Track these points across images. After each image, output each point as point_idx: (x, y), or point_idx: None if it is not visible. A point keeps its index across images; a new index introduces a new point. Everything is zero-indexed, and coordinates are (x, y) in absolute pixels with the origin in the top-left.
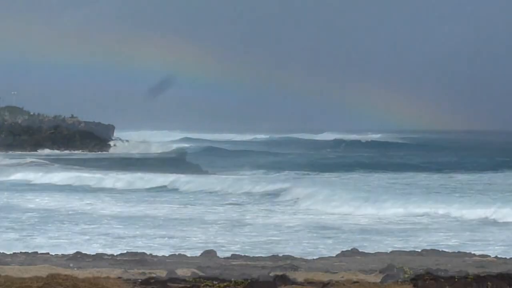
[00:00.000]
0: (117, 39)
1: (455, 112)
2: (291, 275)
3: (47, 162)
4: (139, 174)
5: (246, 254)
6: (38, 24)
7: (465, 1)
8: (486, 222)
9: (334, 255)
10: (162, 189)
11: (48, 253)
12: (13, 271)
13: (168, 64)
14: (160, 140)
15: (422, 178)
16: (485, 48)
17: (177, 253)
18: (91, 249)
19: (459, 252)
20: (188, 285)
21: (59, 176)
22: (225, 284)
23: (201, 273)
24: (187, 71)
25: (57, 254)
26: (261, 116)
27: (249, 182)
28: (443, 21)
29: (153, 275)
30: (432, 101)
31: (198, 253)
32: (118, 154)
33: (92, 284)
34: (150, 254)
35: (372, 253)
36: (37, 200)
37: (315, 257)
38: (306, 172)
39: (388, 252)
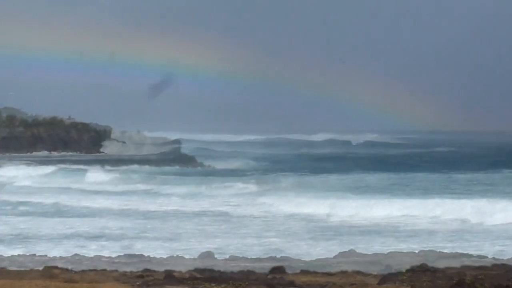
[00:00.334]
0: (116, 37)
1: (454, 112)
2: (289, 277)
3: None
4: None
5: (244, 256)
6: (38, 23)
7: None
8: None
9: (332, 256)
10: None
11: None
12: (10, 275)
13: (164, 64)
14: (154, 142)
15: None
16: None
17: (175, 255)
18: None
19: (456, 252)
20: (187, 287)
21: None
22: (222, 286)
23: (199, 275)
24: (181, 70)
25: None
26: (258, 115)
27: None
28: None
29: (151, 277)
30: (433, 101)
31: (196, 254)
32: (110, 156)
33: (91, 286)
34: (148, 256)
35: (370, 254)
36: None
37: (313, 258)
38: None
39: (386, 253)
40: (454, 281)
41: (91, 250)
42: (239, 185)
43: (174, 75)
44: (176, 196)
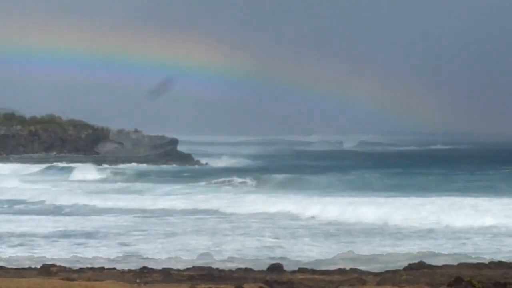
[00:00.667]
0: (116, 36)
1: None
2: (287, 275)
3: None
4: None
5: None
6: (37, 21)
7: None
8: None
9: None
10: None
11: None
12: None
13: (164, 63)
14: (151, 140)
15: None
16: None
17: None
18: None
19: (455, 254)
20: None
21: None
22: (221, 285)
23: (197, 274)
24: (181, 70)
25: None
26: (255, 117)
27: None
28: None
29: (149, 275)
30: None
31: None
32: (107, 154)
33: (89, 284)
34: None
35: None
36: None
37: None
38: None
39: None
40: (452, 279)
41: (86, 248)
42: (233, 182)
43: (175, 77)
44: (168, 194)
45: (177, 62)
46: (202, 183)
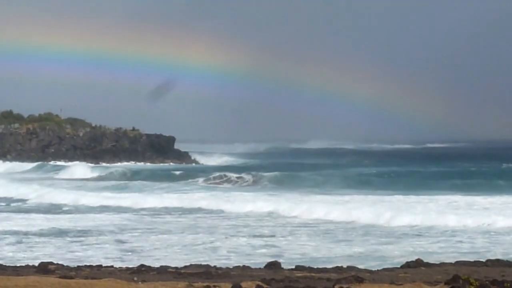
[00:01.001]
0: (116, 35)
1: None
2: (285, 272)
3: None
4: None
5: (310, 266)
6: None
7: None
8: None
9: (399, 266)
10: None
11: (112, 266)
12: (78, 285)
13: (164, 63)
14: (149, 138)
15: None
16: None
17: (241, 265)
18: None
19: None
20: (182, 283)
21: None
22: (218, 282)
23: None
24: (179, 70)
25: (121, 267)
26: (254, 116)
27: None
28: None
29: (146, 273)
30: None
31: (262, 265)
32: (104, 152)
33: (87, 281)
34: (215, 266)
35: (437, 264)
36: None
37: (379, 269)
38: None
39: (453, 262)
40: (449, 277)
41: (83, 246)
42: (229, 180)
43: (175, 77)
44: (164, 192)
45: (176, 62)
46: (199, 181)
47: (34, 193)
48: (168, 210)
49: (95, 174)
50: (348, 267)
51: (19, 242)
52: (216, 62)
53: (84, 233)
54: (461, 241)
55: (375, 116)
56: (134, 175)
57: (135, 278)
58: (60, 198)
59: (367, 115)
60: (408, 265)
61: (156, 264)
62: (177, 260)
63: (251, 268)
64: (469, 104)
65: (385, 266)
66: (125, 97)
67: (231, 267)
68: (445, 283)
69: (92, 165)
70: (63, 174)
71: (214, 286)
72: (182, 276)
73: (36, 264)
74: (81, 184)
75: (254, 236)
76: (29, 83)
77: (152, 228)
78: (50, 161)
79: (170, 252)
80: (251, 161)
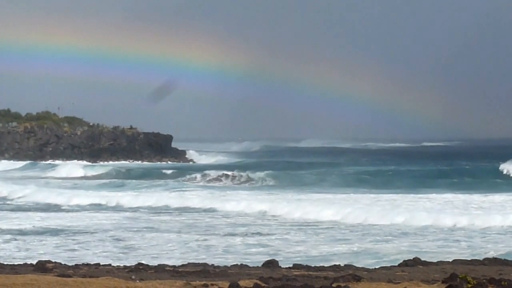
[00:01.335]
0: (116, 34)
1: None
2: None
3: None
4: None
5: (308, 264)
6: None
7: None
8: None
9: (397, 265)
10: None
11: (110, 265)
12: (76, 283)
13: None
14: (146, 137)
15: None
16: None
17: (239, 264)
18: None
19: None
20: (180, 281)
21: None
22: (216, 281)
23: (263, 284)
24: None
25: (119, 266)
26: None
27: None
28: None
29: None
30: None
31: (258, 263)
32: (102, 150)
33: (85, 280)
34: (212, 265)
35: (434, 262)
36: None
37: (377, 267)
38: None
39: (450, 261)
40: (447, 275)
41: (80, 245)
42: (225, 178)
43: (175, 77)
44: (161, 190)
45: (174, 61)
46: (196, 179)
47: (28, 191)
48: (163, 209)
49: (89, 173)
50: (345, 265)
51: (15, 240)
52: (214, 62)
53: (81, 232)
54: (458, 240)
55: (372, 115)
56: (128, 173)
57: (133, 277)
58: (55, 197)
59: (363, 114)
60: (405, 263)
61: (154, 263)
62: (174, 258)
63: (249, 267)
64: (466, 103)
65: (383, 265)
66: (122, 95)
67: (228, 265)
68: (443, 282)
69: (84, 163)
70: (57, 173)
71: (212, 284)
72: (180, 275)
73: (34, 263)
74: (76, 182)
75: (250, 235)
76: (27, 81)
77: (148, 226)
78: (47, 159)
79: (167, 250)
80: (247, 160)
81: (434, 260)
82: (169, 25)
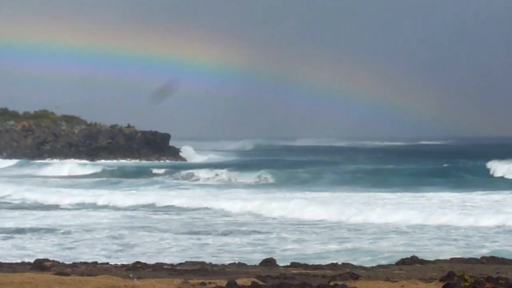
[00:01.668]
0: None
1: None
2: (351, 284)
3: None
4: None
5: (305, 263)
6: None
7: None
8: None
9: (394, 263)
10: None
11: (107, 263)
12: (74, 282)
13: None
14: (144, 135)
15: None
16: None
17: (237, 262)
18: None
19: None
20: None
21: None
22: (214, 279)
23: (261, 282)
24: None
25: (117, 264)
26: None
27: None
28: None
29: (213, 284)
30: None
31: (255, 262)
32: (99, 149)
33: (83, 278)
34: (210, 263)
35: (432, 261)
36: None
37: (374, 265)
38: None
39: (448, 259)
40: (444, 274)
41: (77, 243)
42: (222, 177)
43: (176, 77)
44: (157, 189)
45: (173, 60)
46: (192, 178)
47: (23, 190)
48: (160, 208)
49: (85, 171)
50: (343, 264)
51: (12, 239)
52: (211, 61)
53: (78, 230)
54: (456, 238)
55: (369, 114)
56: (121, 172)
57: (131, 275)
58: (50, 195)
59: (360, 112)
60: (403, 262)
61: (152, 261)
62: (172, 257)
63: (246, 265)
64: (463, 102)
65: (380, 263)
66: (120, 94)
67: (226, 264)
68: (440, 280)
69: (79, 161)
70: (51, 172)
71: (210, 282)
72: (178, 273)
73: (32, 261)
74: (73, 180)
75: (247, 233)
76: (25, 80)
77: (145, 225)
78: (45, 158)
79: (164, 249)
80: (243, 158)
81: (432, 259)
82: (168, 25)
